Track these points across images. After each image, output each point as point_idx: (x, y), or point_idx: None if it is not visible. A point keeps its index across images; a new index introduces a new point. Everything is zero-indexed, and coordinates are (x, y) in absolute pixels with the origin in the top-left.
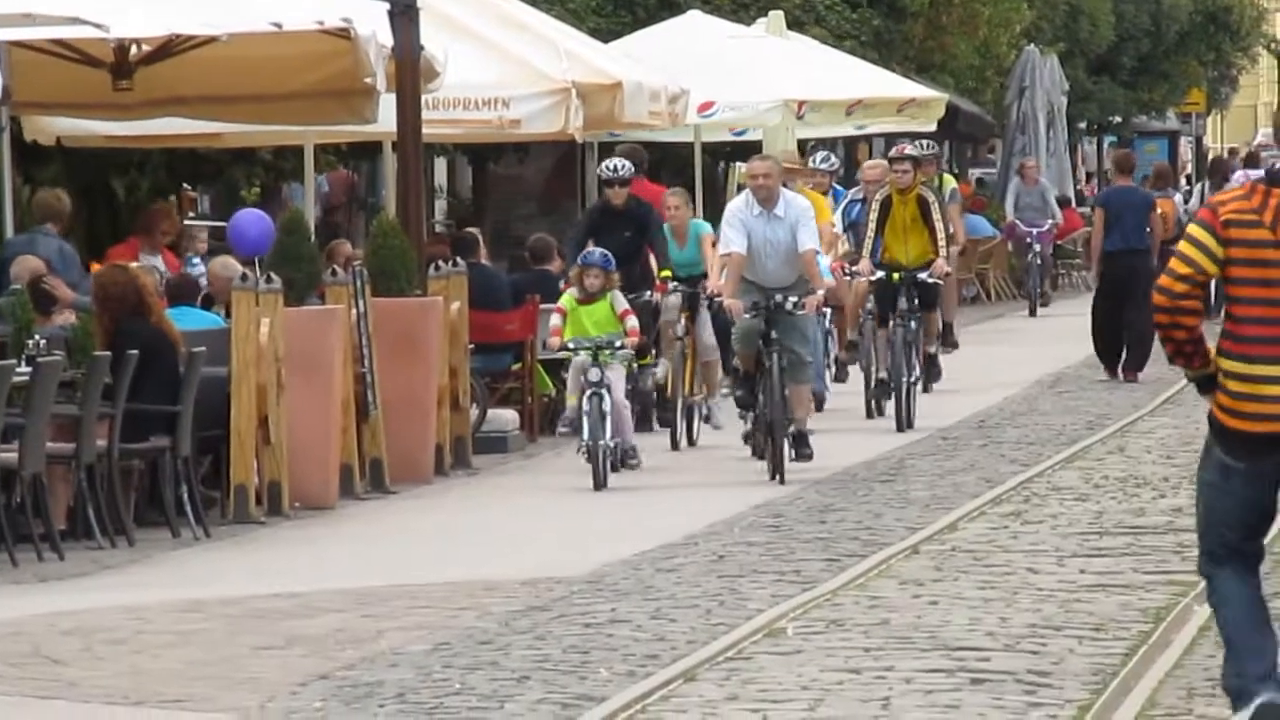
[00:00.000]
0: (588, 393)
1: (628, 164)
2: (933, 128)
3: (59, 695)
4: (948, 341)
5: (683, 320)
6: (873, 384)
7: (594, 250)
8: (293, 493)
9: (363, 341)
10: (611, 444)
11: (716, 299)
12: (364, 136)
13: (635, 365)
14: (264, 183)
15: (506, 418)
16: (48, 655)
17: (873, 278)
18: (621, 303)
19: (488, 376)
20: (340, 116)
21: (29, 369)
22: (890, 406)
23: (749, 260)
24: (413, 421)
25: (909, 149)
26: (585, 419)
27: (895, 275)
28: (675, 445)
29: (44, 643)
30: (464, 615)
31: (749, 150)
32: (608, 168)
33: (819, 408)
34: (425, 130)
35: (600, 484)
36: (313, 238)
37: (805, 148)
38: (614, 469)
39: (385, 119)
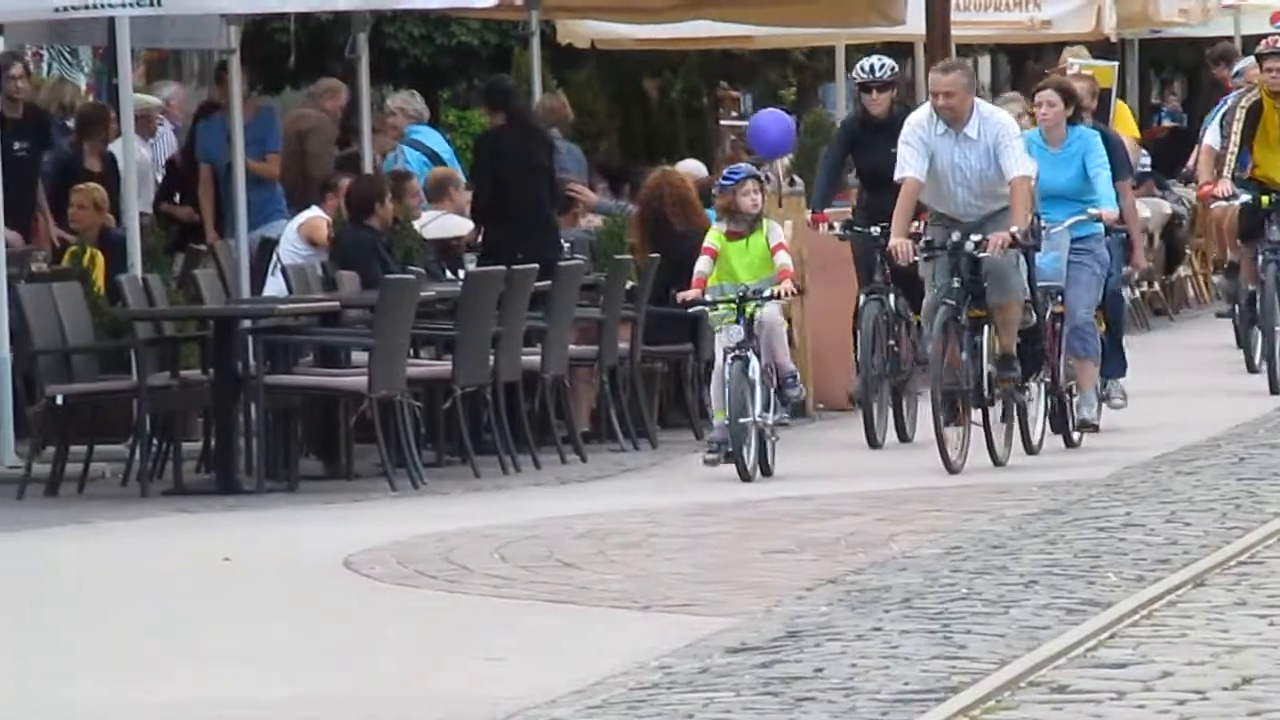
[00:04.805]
0: (729, 357)
1: (888, 63)
2: None
3: (569, 599)
4: None
5: None
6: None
7: (741, 165)
8: (817, 395)
9: None
10: (760, 420)
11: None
12: (896, 37)
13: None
14: (800, 83)
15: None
16: (560, 558)
17: (1235, 200)
18: (777, 234)
19: None
20: (869, 18)
21: None
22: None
23: (934, 190)
24: None
25: None
26: (725, 390)
27: (1266, 198)
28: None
29: (558, 546)
30: (977, 519)
31: None
32: (862, 69)
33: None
34: (955, 31)
35: (746, 475)
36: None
37: None
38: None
39: (915, 21)
